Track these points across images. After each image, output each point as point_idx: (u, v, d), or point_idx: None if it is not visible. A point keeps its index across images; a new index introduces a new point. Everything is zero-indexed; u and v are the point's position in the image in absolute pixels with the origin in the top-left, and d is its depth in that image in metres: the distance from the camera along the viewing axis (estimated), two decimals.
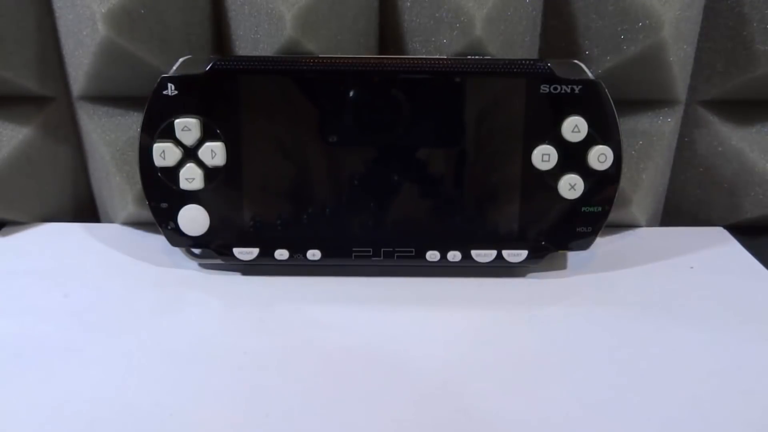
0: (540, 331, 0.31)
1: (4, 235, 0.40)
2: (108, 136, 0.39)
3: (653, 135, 0.39)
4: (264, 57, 0.34)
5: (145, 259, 0.37)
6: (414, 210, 0.34)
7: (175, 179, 0.33)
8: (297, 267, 0.35)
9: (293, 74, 0.33)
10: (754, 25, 0.37)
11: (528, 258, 0.34)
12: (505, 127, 0.33)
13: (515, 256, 0.34)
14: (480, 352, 0.29)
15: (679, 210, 0.43)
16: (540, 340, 0.30)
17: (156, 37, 0.35)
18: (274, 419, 0.25)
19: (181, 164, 0.33)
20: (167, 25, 0.36)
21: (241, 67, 0.32)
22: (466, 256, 0.34)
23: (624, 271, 0.36)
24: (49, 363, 0.28)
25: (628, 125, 0.39)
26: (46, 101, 0.39)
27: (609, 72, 0.37)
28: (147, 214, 0.35)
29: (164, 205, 0.34)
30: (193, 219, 0.34)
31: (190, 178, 0.33)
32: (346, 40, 0.36)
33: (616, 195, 0.34)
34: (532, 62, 0.32)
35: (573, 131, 0.33)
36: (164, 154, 0.33)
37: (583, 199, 0.33)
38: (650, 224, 0.42)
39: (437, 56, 0.36)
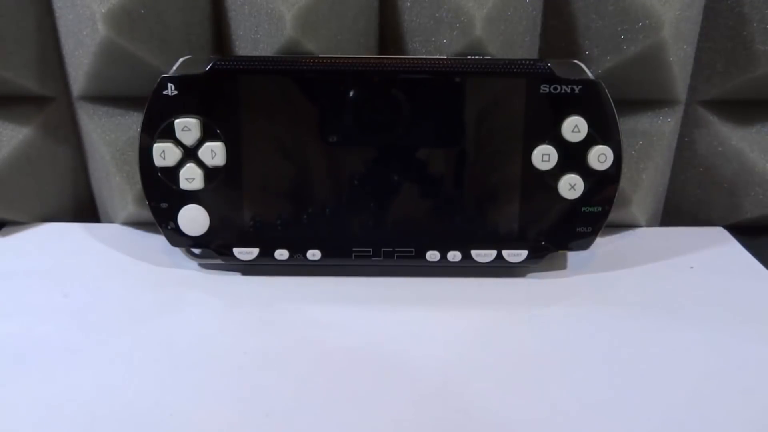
0: (540, 331, 0.31)
1: (4, 235, 0.40)
2: (108, 136, 0.39)
3: (653, 135, 0.39)
4: (264, 57, 0.34)
5: (145, 259, 0.37)
6: (414, 210, 0.34)
7: (175, 179, 0.33)
8: (297, 267, 0.35)
9: (293, 74, 0.33)
10: (754, 25, 0.37)
11: (528, 258, 0.34)
12: (505, 127, 0.33)
13: (515, 256, 0.34)
14: (480, 352, 0.29)
15: (679, 210, 0.43)
16: (540, 340, 0.30)
17: (156, 37, 0.35)
18: (273, 419, 0.25)
19: (181, 164, 0.33)
20: (167, 25, 0.36)
21: (241, 67, 0.32)
22: (466, 256, 0.34)
23: (624, 271, 0.36)
24: (49, 363, 0.28)
25: (628, 125, 0.39)
26: (46, 101, 0.39)
27: (609, 72, 0.37)
28: (147, 214, 0.35)
29: (164, 205, 0.34)
30: (193, 219, 0.34)
31: (190, 178, 0.33)
32: (346, 40, 0.36)
33: (616, 195, 0.34)
34: (532, 62, 0.32)
35: (573, 131, 0.33)
36: (164, 154, 0.33)
37: (583, 199, 0.33)
38: (650, 224, 0.42)
39: (437, 56, 0.36)
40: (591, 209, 0.34)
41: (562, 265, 0.36)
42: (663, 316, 0.32)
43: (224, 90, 0.32)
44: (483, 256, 0.34)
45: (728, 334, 0.31)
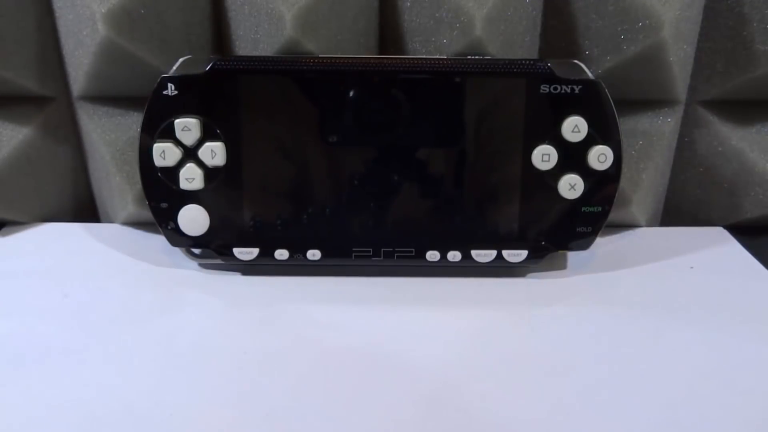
0: (540, 331, 0.31)
1: (4, 235, 0.40)
2: (108, 136, 0.39)
3: (653, 135, 0.39)
4: (264, 57, 0.34)
5: (145, 259, 0.37)
6: (414, 210, 0.34)
7: (175, 179, 0.33)
8: (297, 267, 0.35)
9: (293, 74, 0.33)
10: (754, 25, 0.37)
11: (528, 258, 0.34)
12: (505, 127, 0.33)
13: (515, 256, 0.34)
14: (480, 352, 0.29)
15: (679, 210, 0.43)
16: (540, 340, 0.30)
17: (156, 37, 0.35)
18: (273, 419, 0.25)
19: (181, 164, 0.33)
20: (167, 25, 0.36)
21: (241, 67, 0.32)
22: (466, 256, 0.34)
23: (624, 271, 0.36)
24: (49, 363, 0.28)
25: (628, 125, 0.39)
26: (46, 101, 0.39)
27: (609, 72, 0.37)
28: (147, 214, 0.35)
29: (164, 205, 0.34)
30: (193, 219, 0.34)
31: (190, 178, 0.33)
32: (346, 40, 0.36)
33: (616, 195, 0.34)
34: (532, 62, 0.32)
35: (573, 131, 0.33)
36: (164, 154, 0.33)
37: (583, 199, 0.33)
38: (650, 224, 0.42)
39: (437, 56, 0.36)
40: (591, 209, 0.34)
41: (562, 265, 0.36)
42: (663, 316, 0.32)
43: (224, 90, 0.32)
44: (483, 256, 0.34)
45: (728, 334, 0.31)
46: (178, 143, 0.33)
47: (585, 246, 0.35)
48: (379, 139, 0.33)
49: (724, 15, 0.38)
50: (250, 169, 0.33)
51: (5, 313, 0.32)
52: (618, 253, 0.38)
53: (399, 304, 0.33)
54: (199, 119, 0.33)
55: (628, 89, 0.37)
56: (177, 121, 0.33)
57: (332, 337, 0.30)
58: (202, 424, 0.25)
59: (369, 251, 0.34)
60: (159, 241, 0.36)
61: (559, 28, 0.38)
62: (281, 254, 0.34)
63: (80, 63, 0.37)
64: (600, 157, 0.33)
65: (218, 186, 0.34)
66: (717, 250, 0.39)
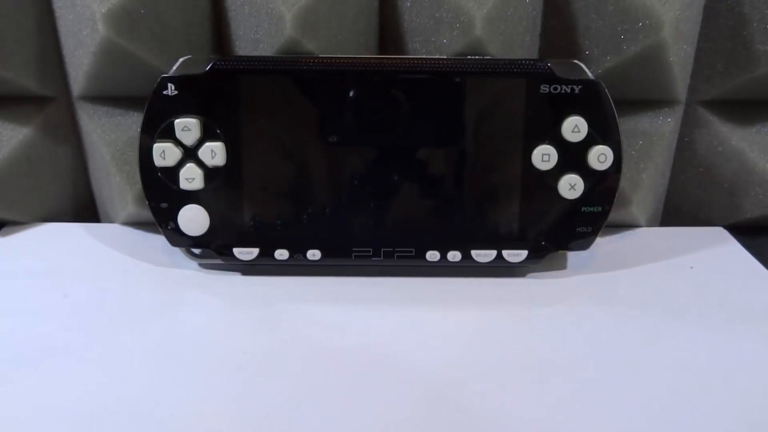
0: (540, 331, 0.31)
1: (4, 235, 0.40)
2: (108, 136, 0.39)
3: (653, 135, 0.39)
4: (264, 57, 0.34)
5: (145, 259, 0.37)
6: (414, 210, 0.34)
7: (175, 179, 0.33)
8: (297, 267, 0.35)
9: (293, 74, 0.33)
10: (754, 25, 0.37)
11: (528, 258, 0.34)
12: (505, 127, 0.33)
13: (515, 256, 0.34)
14: (480, 352, 0.29)
15: (679, 210, 0.43)
16: (540, 340, 0.30)
17: (156, 37, 0.35)
18: (273, 419, 0.25)
19: (181, 164, 0.33)
20: (167, 25, 0.36)
21: (241, 67, 0.32)
22: (466, 256, 0.34)
23: (624, 271, 0.36)
24: (49, 363, 0.28)
25: (628, 125, 0.39)
26: (46, 101, 0.39)
27: (609, 72, 0.37)
28: (147, 214, 0.35)
29: (164, 205, 0.34)
30: (193, 219, 0.34)
31: (190, 178, 0.33)
32: (346, 40, 0.36)
33: (616, 195, 0.34)
34: (532, 62, 0.32)
35: (573, 131, 0.33)
36: (164, 154, 0.33)
37: (583, 199, 0.33)
38: (650, 224, 0.42)
39: (437, 56, 0.36)
40: (591, 209, 0.34)
41: (562, 265, 0.36)
42: (663, 316, 0.32)
43: (224, 90, 0.32)
44: (483, 256, 0.34)
45: (728, 334, 0.31)
46: (178, 143, 0.33)
47: (585, 246, 0.35)
48: (379, 139, 0.33)
49: (724, 15, 0.38)
50: (250, 169, 0.33)
51: (5, 313, 0.32)
52: (618, 253, 0.38)
53: (399, 304, 0.33)
54: (199, 119, 0.33)
55: (628, 89, 0.37)
56: (177, 121, 0.33)
57: (332, 337, 0.30)
58: (202, 423, 0.25)
59: (369, 251, 0.34)
60: (159, 241, 0.36)
61: (559, 28, 0.38)
62: (281, 254, 0.34)
63: (80, 63, 0.37)
64: (600, 157, 0.33)
65: (218, 186, 0.34)
66: (717, 250, 0.39)
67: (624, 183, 0.37)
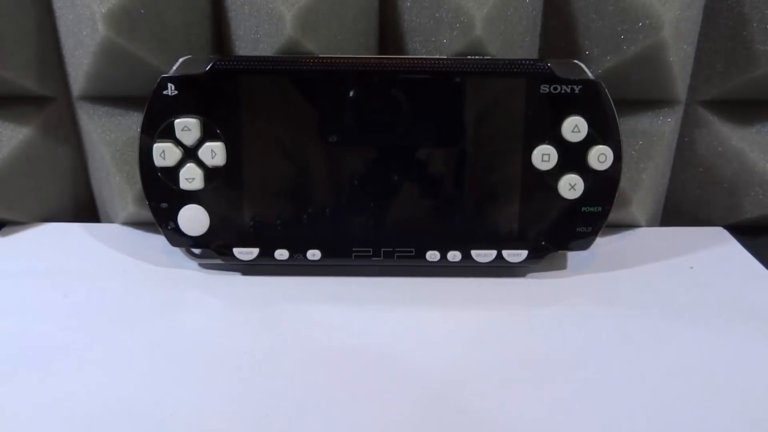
0: (540, 331, 0.31)
1: (4, 235, 0.40)
2: (108, 136, 0.39)
3: (653, 135, 0.39)
4: (264, 57, 0.34)
5: (145, 259, 0.37)
6: (414, 210, 0.34)
7: (175, 179, 0.33)
8: (297, 267, 0.35)
9: (293, 74, 0.33)
10: (754, 25, 0.37)
11: (528, 258, 0.34)
12: (505, 127, 0.33)
13: (515, 256, 0.34)
14: (480, 352, 0.29)
15: (679, 210, 0.43)
16: (540, 340, 0.30)
17: (156, 37, 0.35)
18: (273, 419, 0.25)
19: (181, 164, 0.33)
20: (167, 25, 0.36)
21: (241, 67, 0.32)
22: (466, 256, 0.34)
23: (624, 271, 0.36)
24: (49, 363, 0.28)
25: (628, 125, 0.39)
26: (46, 101, 0.39)
27: (609, 72, 0.37)
28: (147, 214, 0.35)
29: (164, 205, 0.34)
30: (193, 219, 0.34)
31: (190, 178, 0.33)
32: (346, 40, 0.36)
33: (616, 195, 0.34)
34: (532, 62, 0.32)
35: (573, 131, 0.33)
36: (164, 154, 0.33)
37: (583, 199, 0.33)
38: (650, 224, 0.42)
39: (437, 56, 0.36)
40: (591, 209, 0.34)
41: (562, 265, 0.36)
42: (663, 316, 0.32)
43: (224, 90, 0.32)
44: (483, 256, 0.34)
45: (728, 334, 0.31)
46: (178, 143, 0.33)
47: (585, 246, 0.35)
48: (379, 139, 0.33)
49: (724, 15, 0.38)
50: (250, 169, 0.33)
51: (5, 313, 0.32)
52: (618, 253, 0.38)
53: (399, 304, 0.33)
54: (199, 119, 0.33)
55: (628, 89, 0.37)
56: (177, 121, 0.33)
57: (332, 337, 0.30)
58: (202, 423, 0.25)
59: (369, 251, 0.34)
60: (159, 241, 0.36)
61: (559, 28, 0.38)
62: (281, 254, 0.34)
63: (80, 63, 0.37)
64: (600, 157, 0.33)
65: (218, 186, 0.34)
66: (717, 250, 0.39)
67: (624, 183, 0.37)
